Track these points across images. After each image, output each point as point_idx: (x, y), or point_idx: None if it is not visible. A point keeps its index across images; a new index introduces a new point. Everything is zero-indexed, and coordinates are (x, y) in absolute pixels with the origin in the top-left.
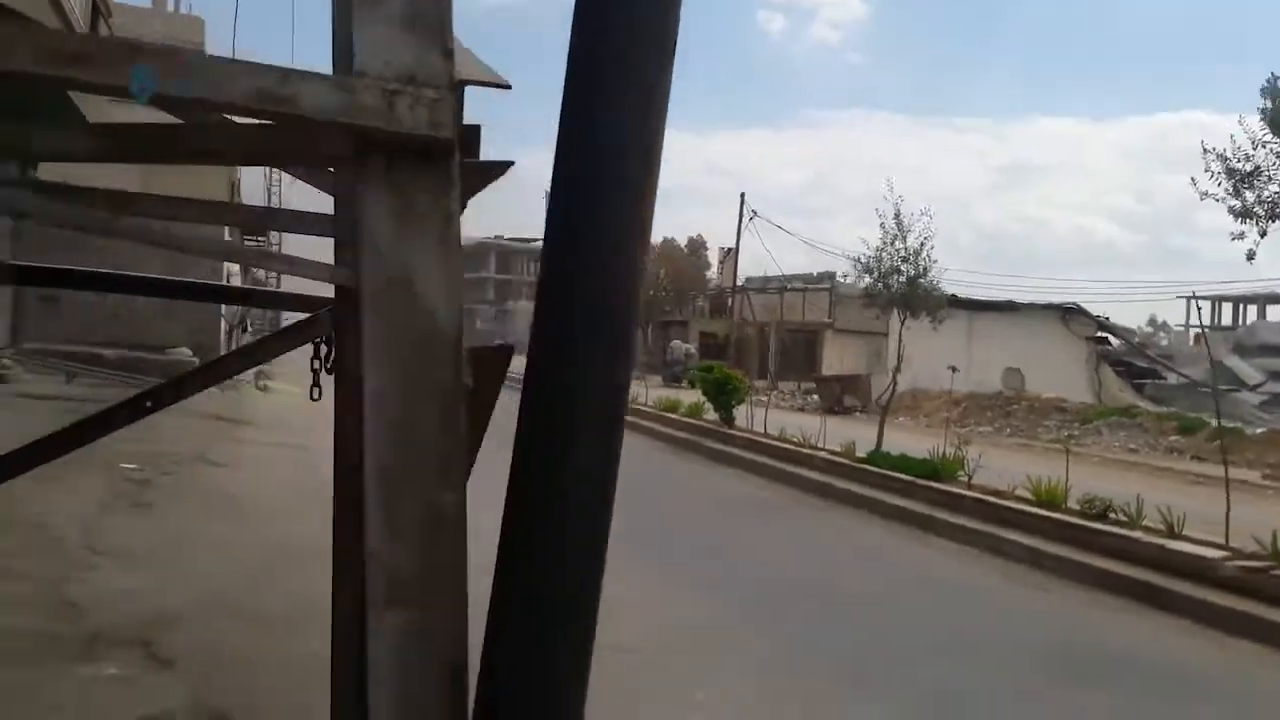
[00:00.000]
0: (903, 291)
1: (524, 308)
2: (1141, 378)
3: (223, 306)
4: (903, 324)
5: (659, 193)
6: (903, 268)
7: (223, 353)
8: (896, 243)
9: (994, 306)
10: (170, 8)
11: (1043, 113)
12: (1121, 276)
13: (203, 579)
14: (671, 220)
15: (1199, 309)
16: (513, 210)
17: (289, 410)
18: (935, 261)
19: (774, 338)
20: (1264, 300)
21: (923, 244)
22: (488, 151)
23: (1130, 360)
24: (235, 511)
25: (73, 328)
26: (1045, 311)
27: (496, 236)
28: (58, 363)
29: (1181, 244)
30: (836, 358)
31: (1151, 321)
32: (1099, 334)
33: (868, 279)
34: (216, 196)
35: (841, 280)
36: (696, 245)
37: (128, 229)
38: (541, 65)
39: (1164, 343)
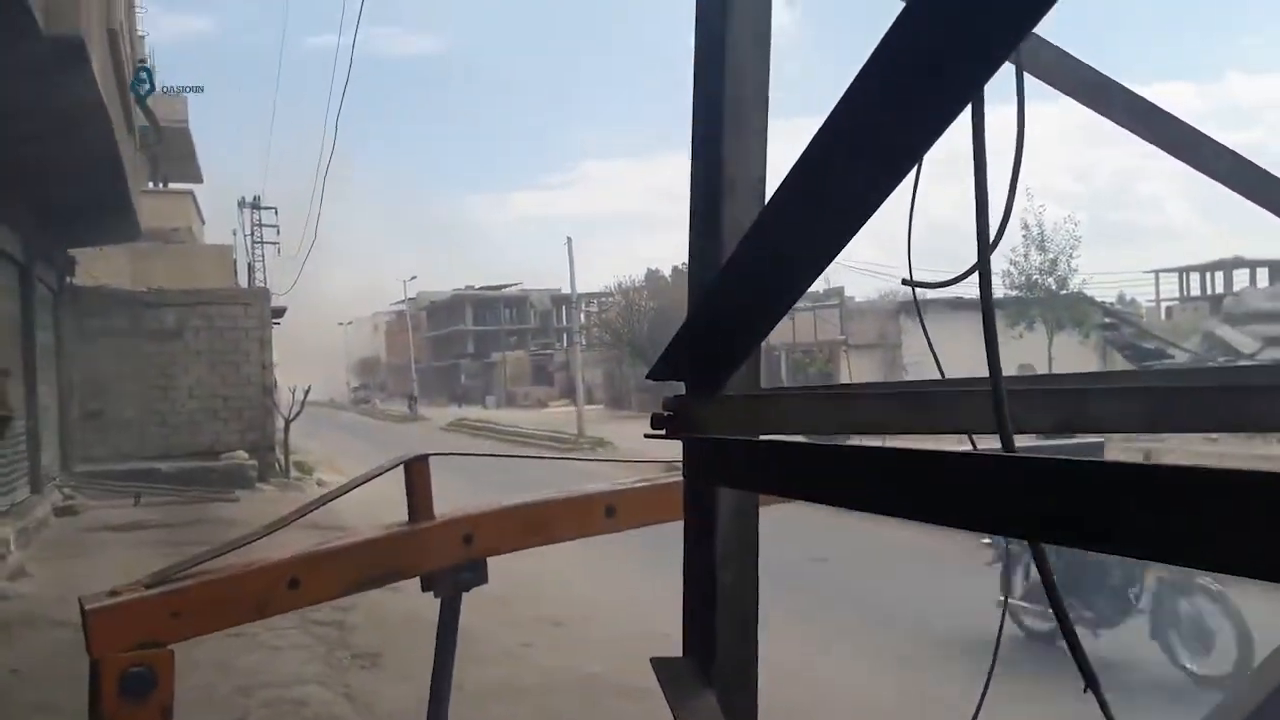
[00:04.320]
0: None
1: (512, 358)
2: (1148, 359)
3: (276, 399)
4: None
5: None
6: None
7: (279, 452)
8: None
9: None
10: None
11: None
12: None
13: None
14: (638, 251)
15: (1181, 283)
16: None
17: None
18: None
19: (785, 359)
20: (1229, 266)
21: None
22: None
23: (1136, 343)
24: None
25: (121, 443)
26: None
27: (468, 287)
28: (116, 484)
29: (1118, 218)
30: (855, 372)
31: (1120, 299)
32: (1106, 320)
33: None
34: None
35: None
36: (682, 274)
37: None
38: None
39: (1142, 321)
